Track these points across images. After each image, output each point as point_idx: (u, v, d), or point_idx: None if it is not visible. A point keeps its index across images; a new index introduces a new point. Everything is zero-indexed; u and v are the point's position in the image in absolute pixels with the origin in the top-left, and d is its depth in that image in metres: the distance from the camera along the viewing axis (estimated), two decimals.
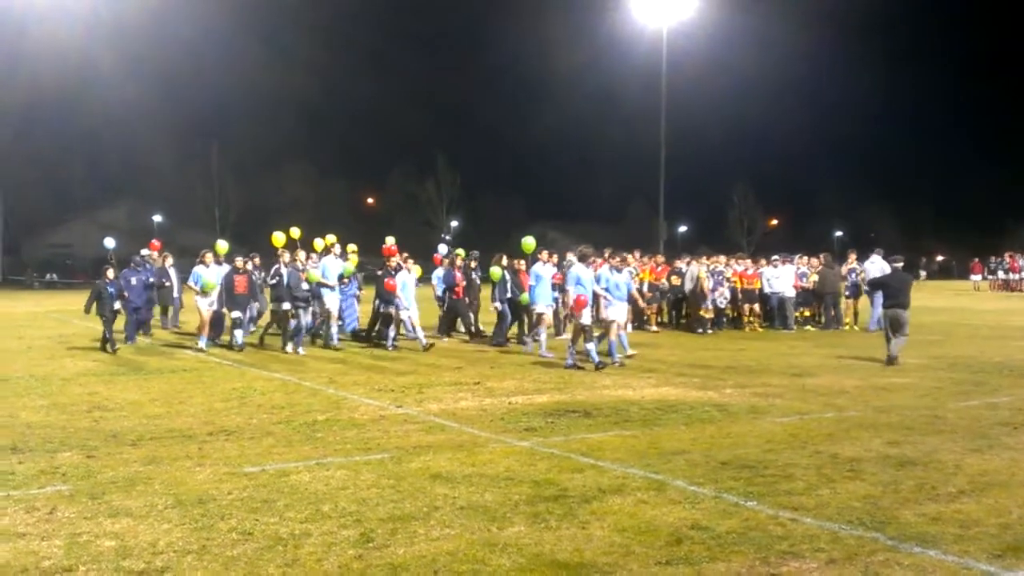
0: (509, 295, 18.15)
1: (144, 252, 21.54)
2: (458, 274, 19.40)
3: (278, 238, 17.86)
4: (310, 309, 17.13)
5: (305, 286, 16.82)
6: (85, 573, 5.08)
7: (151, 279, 20.36)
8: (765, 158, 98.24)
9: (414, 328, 17.62)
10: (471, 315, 19.75)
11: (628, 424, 9.54)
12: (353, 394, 11.68)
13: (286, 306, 16.83)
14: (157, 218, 76.53)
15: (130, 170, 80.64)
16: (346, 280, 17.97)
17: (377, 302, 18.13)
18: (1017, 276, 43.08)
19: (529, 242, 16.85)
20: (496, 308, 18.40)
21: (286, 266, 17.04)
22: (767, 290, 21.69)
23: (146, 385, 12.61)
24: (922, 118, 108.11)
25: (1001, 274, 43.92)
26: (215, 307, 17.40)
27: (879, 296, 22.45)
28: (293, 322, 16.82)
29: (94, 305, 16.68)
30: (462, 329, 19.98)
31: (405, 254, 19.01)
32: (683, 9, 39.45)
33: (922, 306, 22.33)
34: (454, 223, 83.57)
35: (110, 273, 17.03)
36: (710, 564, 5.19)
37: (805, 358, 15.63)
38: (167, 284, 21.39)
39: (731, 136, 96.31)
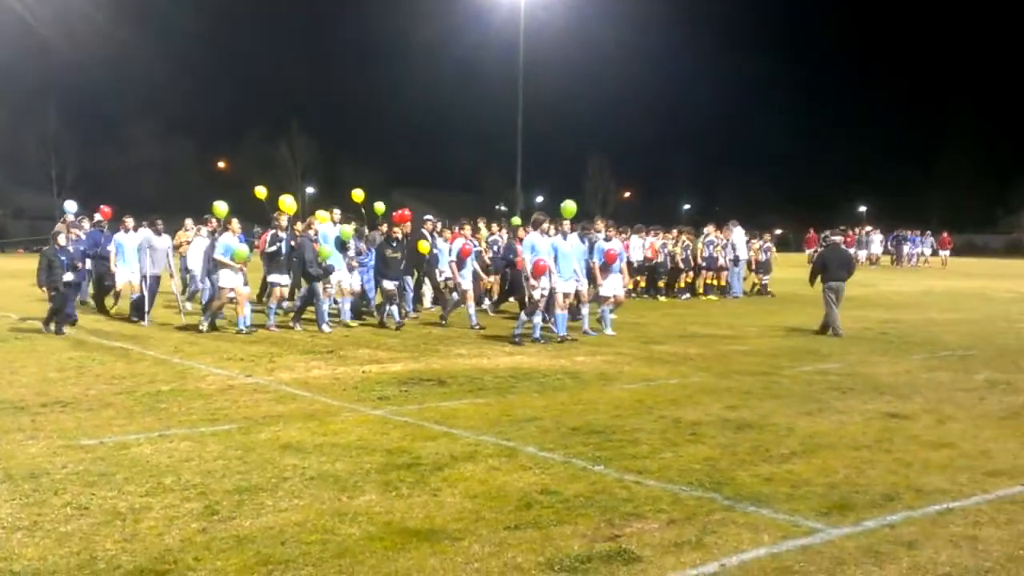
0: None
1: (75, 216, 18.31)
2: (519, 246, 18.59)
3: (286, 203, 15.67)
4: (324, 286, 15.13)
5: (330, 262, 15.01)
6: None
7: (88, 250, 17.18)
8: (619, 131, 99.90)
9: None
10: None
11: (482, 392, 9.63)
12: (200, 363, 11.31)
13: (284, 280, 15.24)
14: None
15: None
16: (350, 248, 15.75)
17: (374, 276, 16.26)
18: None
19: (570, 206, 14.71)
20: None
21: (298, 235, 15.21)
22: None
23: None
24: (767, 98, 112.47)
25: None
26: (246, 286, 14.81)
27: (739, 268, 23.58)
28: (309, 295, 15.00)
29: (46, 276, 14.12)
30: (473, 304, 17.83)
31: (432, 221, 17.81)
32: None
33: None
34: (310, 189, 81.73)
35: (61, 239, 14.54)
36: (557, 527, 5.31)
37: (654, 328, 16.14)
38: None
39: (587, 109, 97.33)
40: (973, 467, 6.76)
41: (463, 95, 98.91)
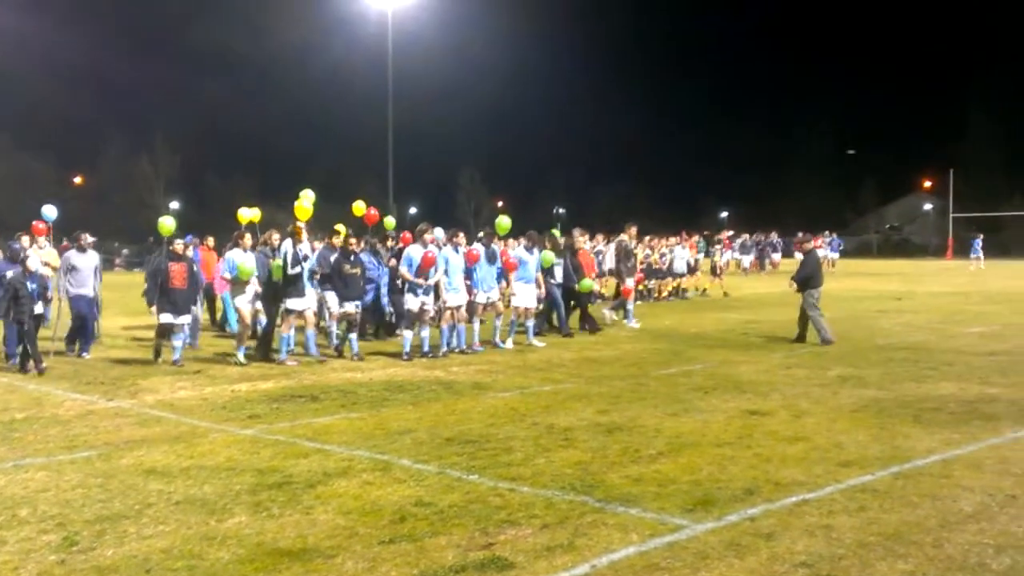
0: (561, 281, 16.15)
1: (25, 239, 15.66)
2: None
3: (304, 207, 13.33)
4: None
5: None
6: None
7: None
8: (490, 140, 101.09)
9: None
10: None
11: (355, 406, 9.55)
12: (58, 389, 10.80)
13: (303, 303, 13.03)
14: None
15: None
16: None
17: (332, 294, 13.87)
18: (730, 255, 44.95)
19: (504, 223, 14.74)
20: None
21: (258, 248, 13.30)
22: None
23: None
24: (632, 104, 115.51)
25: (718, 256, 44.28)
26: (254, 303, 13.12)
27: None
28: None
29: (9, 311, 12.07)
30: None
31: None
32: None
33: None
34: (174, 204, 79.12)
35: (31, 263, 12.28)
36: (432, 539, 5.33)
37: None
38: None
39: (458, 119, 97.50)
40: (827, 459, 7.12)
41: (335, 105, 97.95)
